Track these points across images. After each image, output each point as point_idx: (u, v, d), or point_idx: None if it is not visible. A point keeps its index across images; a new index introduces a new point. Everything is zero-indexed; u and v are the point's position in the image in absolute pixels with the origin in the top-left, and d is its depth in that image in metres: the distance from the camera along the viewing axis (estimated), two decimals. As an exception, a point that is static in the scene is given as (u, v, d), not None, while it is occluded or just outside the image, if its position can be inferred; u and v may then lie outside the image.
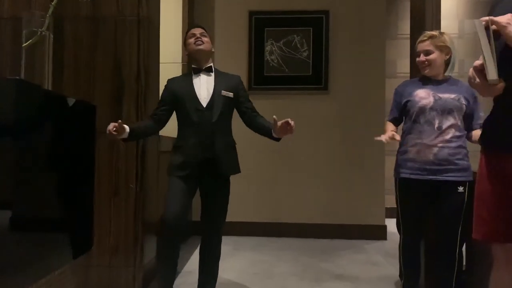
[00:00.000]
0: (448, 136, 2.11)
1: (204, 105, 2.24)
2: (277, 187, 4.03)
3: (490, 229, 1.47)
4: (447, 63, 2.20)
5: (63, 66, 2.51)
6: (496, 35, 1.32)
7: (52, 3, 1.43)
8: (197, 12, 4.05)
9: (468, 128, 2.18)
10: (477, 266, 2.13)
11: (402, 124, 2.33)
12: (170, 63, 3.74)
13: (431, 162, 2.11)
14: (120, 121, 2.00)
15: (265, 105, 4.07)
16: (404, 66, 4.53)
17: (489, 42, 1.30)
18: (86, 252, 1.67)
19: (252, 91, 4.05)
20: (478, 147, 1.59)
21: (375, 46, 4.00)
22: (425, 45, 2.18)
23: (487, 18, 1.32)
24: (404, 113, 2.26)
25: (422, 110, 2.15)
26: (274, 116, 2.18)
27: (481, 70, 1.35)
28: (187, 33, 2.40)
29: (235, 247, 3.55)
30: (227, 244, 3.59)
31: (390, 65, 4.64)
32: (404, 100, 2.23)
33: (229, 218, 4.02)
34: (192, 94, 2.25)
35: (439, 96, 2.15)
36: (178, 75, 3.69)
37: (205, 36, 2.33)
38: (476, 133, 2.11)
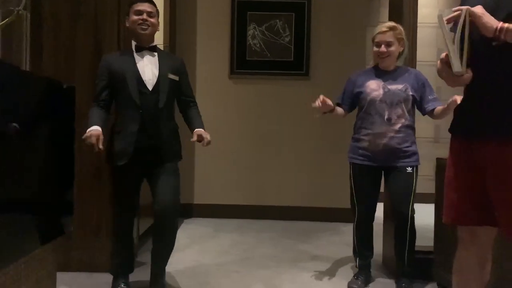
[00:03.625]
0: (397, 127, 2.26)
1: (150, 88, 2.10)
2: (260, 170, 4.08)
3: (458, 213, 1.53)
4: (400, 53, 2.32)
5: (42, 46, 2.47)
6: (470, 25, 1.35)
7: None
8: (179, -3, 4.01)
9: (423, 110, 2.32)
10: (444, 246, 2.23)
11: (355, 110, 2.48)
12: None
13: (382, 151, 2.28)
14: (91, 132, 1.97)
15: (247, 90, 4.11)
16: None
17: (462, 33, 1.34)
18: (64, 234, 1.68)
19: (234, 75, 4.07)
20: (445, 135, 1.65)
21: (356, 33, 4.03)
22: (387, 36, 2.28)
23: (464, 7, 1.35)
24: (357, 103, 2.40)
25: (373, 102, 2.29)
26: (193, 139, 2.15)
27: (447, 62, 1.39)
28: (131, 4, 2.17)
29: (216, 229, 3.60)
30: (208, 226, 3.66)
31: (371, 51, 4.69)
32: (356, 91, 2.37)
33: (211, 200, 4.13)
34: (136, 75, 2.09)
35: (388, 88, 2.28)
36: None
37: (152, 16, 2.14)
38: (438, 109, 2.24)
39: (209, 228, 3.60)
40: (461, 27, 1.33)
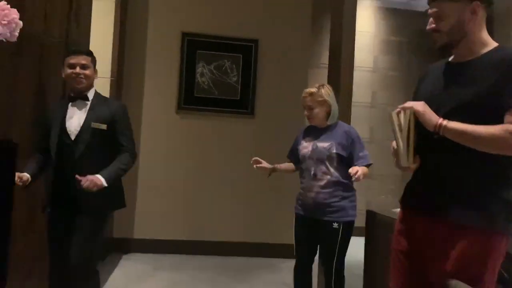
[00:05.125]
0: (322, 183, 2.40)
1: (73, 138, 2.10)
2: (198, 205, 4.14)
3: (396, 281, 1.64)
4: (328, 113, 2.46)
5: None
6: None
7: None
8: (130, 30, 4.04)
9: (352, 166, 2.35)
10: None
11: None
12: (99, 77, 3.69)
13: (311, 204, 2.44)
14: (17, 173, 1.91)
15: (194, 125, 4.19)
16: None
17: (408, 127, 1.48)
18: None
19: (182, 110, 4.14)
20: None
21: (298, 74, 4.25)
22: (307, 101, 2.46)
23: (408, 105, 1.50)
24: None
25: (304, 158, 2.48)
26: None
27: (395, 154, 1.54)
28: (67, 55, 2.19)
29: (155, 266, 3.59)
30: (147, 263, 3.64)
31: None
32: (297, 146, 2.58)
33: (151, 235, 4.11)
34: (61, 125, 2.12)
35: (316, 145, 2.45)
36: (105, 90, 3.70)
37: (86, 68, 2.14)
38: (353, 169, 2.27)
39: (148, 266, 3.58)
40: (407, 125, 1.49)
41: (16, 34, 1.48)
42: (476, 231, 1.40)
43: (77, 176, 1.99)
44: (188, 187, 4.13)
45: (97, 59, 3.52)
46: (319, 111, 2.44)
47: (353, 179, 2.21)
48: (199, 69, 4.17)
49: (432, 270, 1.51)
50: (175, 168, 4.10)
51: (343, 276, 2.45)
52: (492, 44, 1.51)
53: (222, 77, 4.20)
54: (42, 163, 2.13)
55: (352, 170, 2.20)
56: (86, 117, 2.12)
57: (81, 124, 2.11)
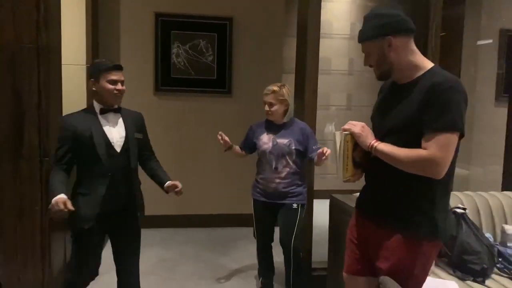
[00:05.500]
0: (283, 174, 2.67)
1: (118, 150, 2.12)
2: (184, 181, 4.26)
3: (348, 264, 1.90)
4: (286, 111, 2.69)
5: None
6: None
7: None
8: (102, 12, 4.03)
9: (308, 158, 2.69)
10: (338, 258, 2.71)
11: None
12: (72, 64, 3.73)
13: (272, 192, 2.70)
14: (60, 200, 1.93)
15: (172, 106, 4.30)
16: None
17: (346, 147, 1.69)
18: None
19: (159, 92, 4.23)
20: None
21: (274, 44, 4.34)
22: (269, 98, 2.67)
23: (347, 127, 1.70)
24: (255, 150, 2.81)
25: (264, 153, 2.71)
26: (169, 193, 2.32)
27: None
28: (105, 70, 2.10)
29: (144, 242, 3.81)
30: (135, 240, 3.89)
31: (288, 61, 4.96)
32: (254, 141, 2.79)
33: (139, 211, 4.33)
34: (104, 138, 2.09)
35: (276, 142, 2.68)
36: (81, 78, 3.77)
37: (123, 84, 2.15)
38: (324, 149, 2.49)
39: (136, 242, 3.83)
40: (343, 146, 1.70)
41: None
42: (406, 239, 1.63)
43: (173, 182, 2.23)
44: (172, 165, 4.26)
45: (71, 47, 3.59)
46: (278, 108, 2.65)
47: (323, 157, 2.43)
48: (174, 50, 4.22)
49: (375, 264, 1.75)
50: (157, 147, 4.19)
51: (300, 251, 2.75)
52: (426, 66, 1.65)
53: (197, 57, 4.26)
54: (66, 182, 2.06)
55: (323, 150, 2.41)
56: (126, 128, 2.16)
57: (124, 136, 2.14)
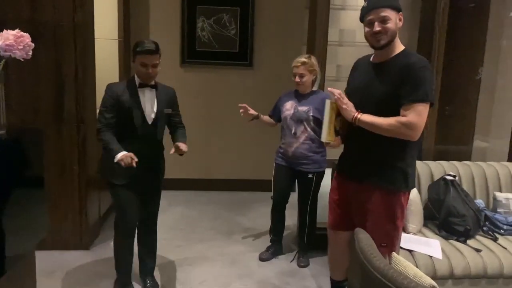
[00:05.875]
0: (301, 140, 2.91)
1: (150, 121, 2.43)
2: (208, 148, 4.70)
3: (331, 221, 2.25)
4: (314, 80, 2.91)
5: (7, 67, 2.88)
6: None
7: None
8: (132, -11, 4.32)
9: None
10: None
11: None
12: (106, 39, 4.08)
13: (291, 157, 2.95)
14: (129, 155, 2.26)
15: (196, 78, 4.61)
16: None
17: (331, 114, 1.94)
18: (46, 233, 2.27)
19: (185, 64, 4.54)
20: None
21: (294, 17, 4.49)
22: (300, 70, 2.86)
23: (336, 94, 1.94)
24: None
25: (285, 119, 2.95)
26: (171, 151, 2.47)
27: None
28: (139, 53, 2.31)
29: (169, 201, 4.26)
30: (164, 199, 4.25)
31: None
32: (280, 108, 3.03)
33: (166, 175, 4.71)
34: (140, 108, 2.39)
35: (297, 109, 2.91)
36: (113, 51, 4.11)
37: (156, 66, 2.34)
38: None
39: (164, 201, 4.18)
40: (328, 113, 1.96)
41: (30, 53, 1.91)
42: (383, 191, 1.93)
43: (177, 143, 2.42)
44: (196, 133, 4.64)
45: (104, 23, 3.92)
46: (308, 79, 2.87)
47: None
48: (199, 24, 4.48)
49: (356, 219, 2.05)
50: (183, 116, 4.59)
51: (316, 210, 3.05)
52: (400, 48, 1.91)
53: (221, 31, 4.50)
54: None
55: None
56: (158, 103, 2.44)
57: (155, 110, 2.43)
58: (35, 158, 2.18)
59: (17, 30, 1.86)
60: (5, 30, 1.83)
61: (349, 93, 2.04)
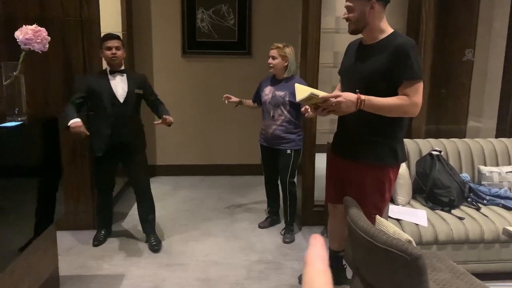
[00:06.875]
0: (278, 122, 3.13)
1: (121, 100, 2.82)
2: (209, 135, 4.90)
3: (328, 195, 2.44)
4: (286, 67, 3.10)
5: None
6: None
7: (21, 55, 2.07)
8: (134, -16, 4.49)
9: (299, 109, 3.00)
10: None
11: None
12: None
13: (270, 137, 3.20)
14: (80, 125, 2.60)
15: (197, 67, 4.80)
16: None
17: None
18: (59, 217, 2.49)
19: (186, 54, 4.72)
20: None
21: (291, 7, 4.66)
22: (273, 52, 3.12)
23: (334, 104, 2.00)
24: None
25: (265, 103, 3.19)
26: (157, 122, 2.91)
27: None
28: (103, 40, 2.82)
29: (175, 186, 4.49)
30: (169, 184, 4.53)
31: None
32: (260, 92, 3.27)
33: (171, 161, 4.98)
34: (110, 91, 2.79)
35: (275, 94, 3.13)
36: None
37: (119, 49, 2.79)
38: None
39: (169, 186, 4.48)
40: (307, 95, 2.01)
41: (47, 46, 2.11)
42: (373, 167, 2.10)
43: (165, 116, 2.80)
44: (198, 120, 4.86)
45: (108, 16, 4.10)
46: (278, 62, 3.09)
47: (306, 115, 2.79)
48: (199, 15, 4.65)
49: (349, 193, 2.24)
50: (185, 105, 4.80)
51: (295, 183, 3.27)
52: (388, 31, 2.04)
53: (220, 21, 4.68)
54: (77, 113, 2.73)
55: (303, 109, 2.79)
56: (128, 86, 2.85)
57: (127, 91, 2.83)
58: (53, 144, 2.38)
59: (34, 25, 2.05)
60: (24, 26, 2.03)
61: (341, 74, 2.21)
